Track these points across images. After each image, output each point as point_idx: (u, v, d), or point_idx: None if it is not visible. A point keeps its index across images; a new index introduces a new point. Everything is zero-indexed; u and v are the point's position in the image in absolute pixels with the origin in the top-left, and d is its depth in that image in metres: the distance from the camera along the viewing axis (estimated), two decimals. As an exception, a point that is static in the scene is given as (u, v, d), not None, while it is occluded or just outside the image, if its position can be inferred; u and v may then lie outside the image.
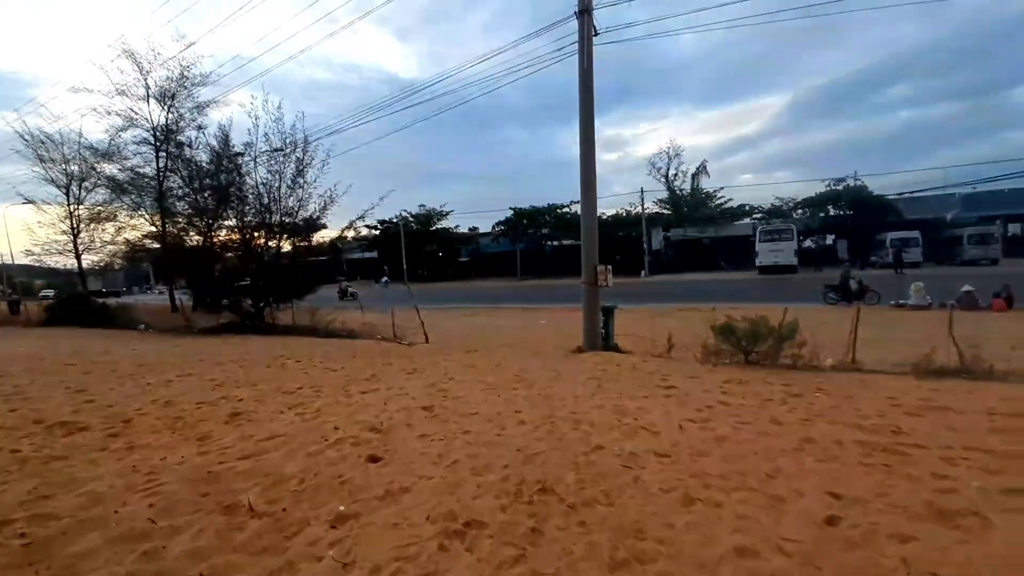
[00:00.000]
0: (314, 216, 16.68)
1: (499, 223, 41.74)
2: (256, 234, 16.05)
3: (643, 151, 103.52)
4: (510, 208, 40.65)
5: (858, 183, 34.97)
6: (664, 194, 51.86)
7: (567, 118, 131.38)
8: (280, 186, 15.85)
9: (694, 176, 53.79)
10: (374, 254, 49.86)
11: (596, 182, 9.20)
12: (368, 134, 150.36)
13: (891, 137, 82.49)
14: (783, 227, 31.15)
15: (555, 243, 43.83)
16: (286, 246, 17.50)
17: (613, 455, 3.81)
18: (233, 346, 11.90)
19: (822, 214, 35.91)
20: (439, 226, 45.26)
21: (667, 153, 55.54)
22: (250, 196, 16.12)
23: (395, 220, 44.81)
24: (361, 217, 17.22)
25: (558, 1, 11.29)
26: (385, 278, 40.05)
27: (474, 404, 5.58)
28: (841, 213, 35.14)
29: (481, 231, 47.78)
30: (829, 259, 35.00)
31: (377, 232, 47.00)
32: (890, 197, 33.01)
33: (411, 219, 45.58)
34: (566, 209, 40.18)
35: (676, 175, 55.66)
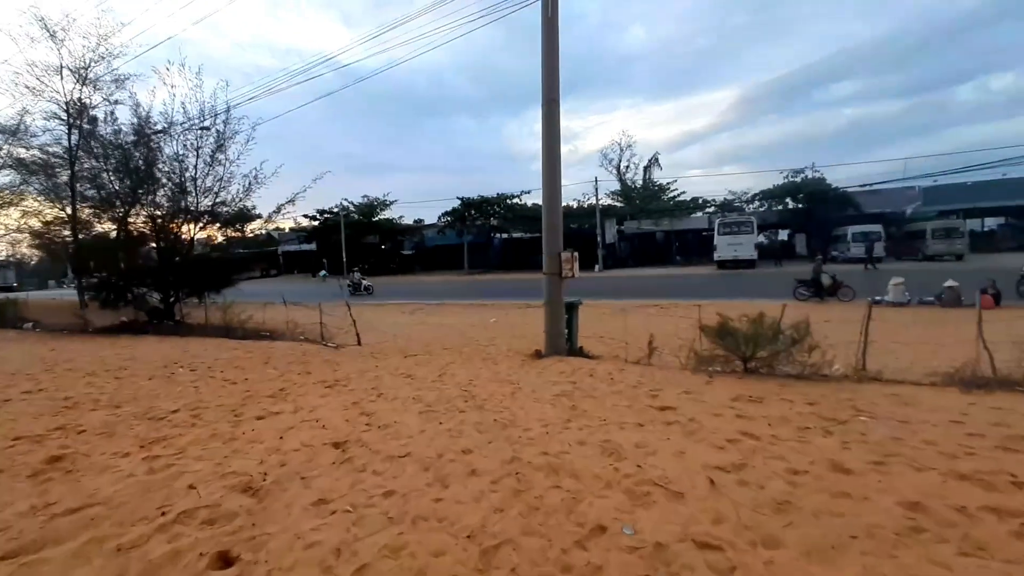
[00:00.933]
0: (236, 199, 14.31)
1: (445, 213, 39.75)
2: (168, 219, 13.48)
3: (593, 145, 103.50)
4: (457, 198, 38.83)
5: (816, 175, 35.20)
6: (616, 186, 51.53)
7: (516, 110, 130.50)
8: (196, 163, 13.43)
9: (646, 169, 53.58)
10: (313, 246, 46.62)
11: (560, 153, 7.72)
12: (309, 120, 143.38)
13: (837, 134, 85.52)
14: (743, 219, 30.70)
15: (504, 235, 42.38)
16: (204, 234, 15.01)
17: (624, 546, 2.32)
18: (121, 350, 9.68)
19: (779, 207, 36.00)
20: (382, 217, 42.68)
21: (619, 145, 55.23)
22: (161, 175, 13.54)
23: (335, 210, 41.81)
24: (291, 201, 14.99)
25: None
26: (323, 272, 37.19)
27: (406, 437, 4.01)
28: (799, 206, 35.08)
29: (428, 223, 45.58)
30: (787, 253, 35.22)
31: (316, 223, 43.82)
32: (850, 190, 33.17)
33: (352, 209, 42.71)
34: (516, 200, 38.83)
35: (628, 167, 55.55)
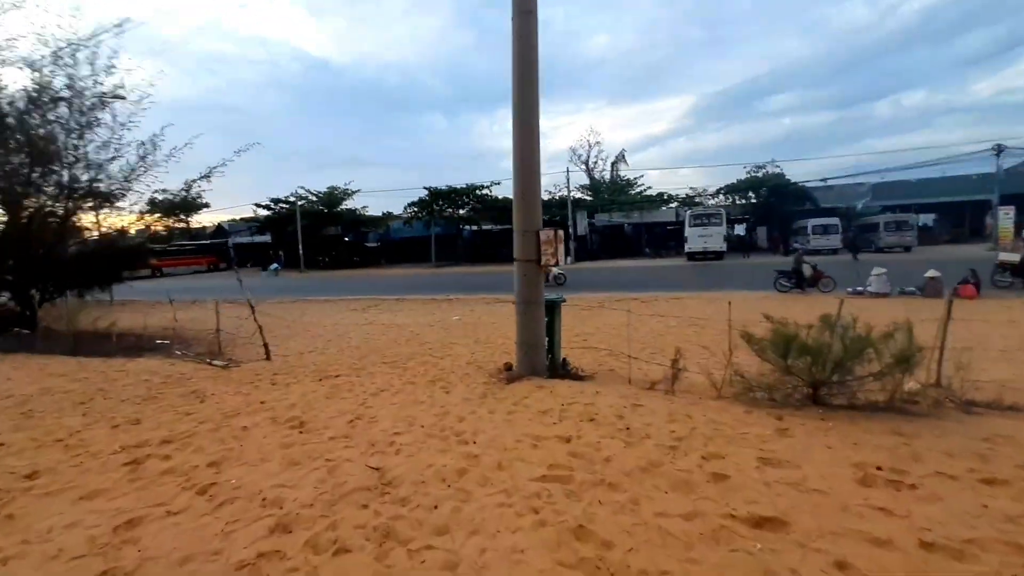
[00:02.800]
0: (127, 174, 11.29)
1: (412, 204, 36.64)
2: (18, 197, 10.35)
3: (559, 144, 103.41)
4: (424, 188, 35.84)
5: (776, 170, 34.40)
6: (585, 181, 50.08)
7: (486, 107, 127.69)
8: (68, 122, 10.35)
9: (613, 164, 52.61)
10: (267, 238, 42.73)
11: (537, 90, 5.27)
12: (273, 114, 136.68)
13: (777, 141, 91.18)
14: (713, 211, 29.41)
15: (474, 228, 39.77)
16: (84, 219, 11.93)
17: None
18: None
19: (742, 201, 34.97)
20: (344, 207, 39.32)
21: (588, 140, 54.04)
22: (13, 140, 10.38)
23: (291, 199, 38.11)
24: (205, 176, 12.08)
25: None
26: (275, 265, 33.72)
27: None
28: (760, 200, 34.33)
29: (395, 214, 42.48)
30: (751, 246, 34.20)
31: (270, 212, 39.91)
32: (808, 184, 32.70)
33: (312, 198, 39.14)
34: (486, 191, 36.23)
35: (596, 163, 54.16)
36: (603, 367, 6.10)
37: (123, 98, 12.56)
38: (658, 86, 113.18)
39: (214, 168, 12.25)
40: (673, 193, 42.10)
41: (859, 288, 13.56)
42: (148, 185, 11.47)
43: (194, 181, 11.76)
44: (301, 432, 3.77)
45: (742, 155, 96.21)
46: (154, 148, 10.74)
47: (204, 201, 48.83)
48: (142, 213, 12.45)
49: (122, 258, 11.51)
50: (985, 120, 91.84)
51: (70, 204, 10.61)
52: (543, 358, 5.18)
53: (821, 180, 32.13)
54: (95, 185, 10.70)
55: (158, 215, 12.73)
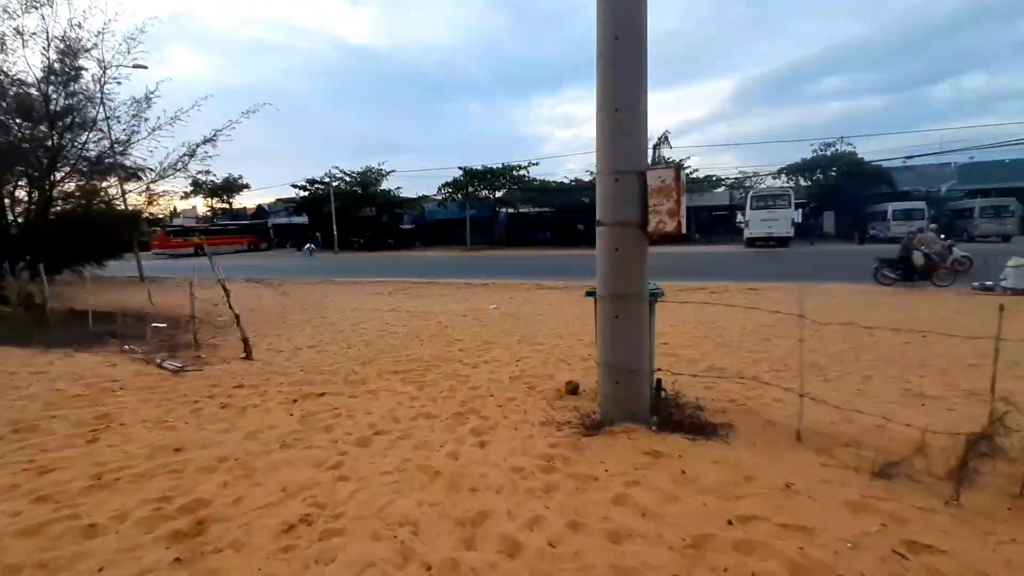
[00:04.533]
0: (125, 140, 9.60)
1: (446, 184, 34.64)
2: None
3: (593, 132, 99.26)
4: (459, 167, 33.74)
5: (848, 148, 30.36)
6: (627, 163, 46.94)
7: (522, 92, 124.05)
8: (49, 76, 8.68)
9: (655, 147, 49.26)
10: (304, 219, 41.72)
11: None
12: (313, 100, 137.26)
13: (825, 127, 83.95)
14: (779, 192, 25.66)
15: (510, 210, 37.53)
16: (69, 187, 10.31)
17: None
18: None
19: (807, 183, 31.05)
20: (379, 188, 37.72)
21: None
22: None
23: (326, 179, 36.77)
24: (210, 140, 10.28)
25: None
26: (309, 245, 32.50)
27: None
28: (827, 182, 30.36)
29: (430, 196, 40.67)
30: (817, 232, 30.41)
31: (306, 193, 38.84)
32: (885, 164, 28.59)
33: (347, 179, 37.73)
34: (523, 171, 33.81)
35: (638, 144, 50.80)
36: (722, 396, 3.83)
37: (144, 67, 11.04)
38: (699, 68, 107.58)
39: (219, 131, 10.43)
40: (721, 176, 38.72)
41: (988, 283, 10.54)
42: (150, 151, 9.75)
43: (198, 145, 9.96)
44: (177, 561, 1.73)
45: (785, 141, 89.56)
46: (148, 104, 8.94)
47: (244, 182, 49.15)
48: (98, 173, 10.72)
49: (108, 232, 9.80)
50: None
51: (53, 171, 9.02)
52: (646, 392, 2.95)
53: (903, 159, 27.88)
54: (81, 148, 9.09)
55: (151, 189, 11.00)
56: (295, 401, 3.79)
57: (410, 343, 6.49)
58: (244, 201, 51.66)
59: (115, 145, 9.11)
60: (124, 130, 9.07)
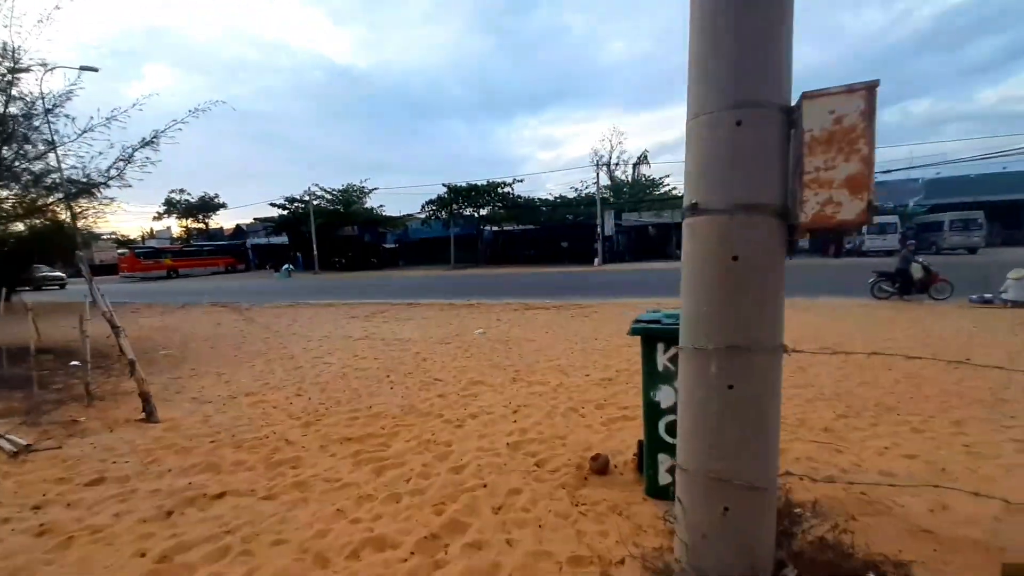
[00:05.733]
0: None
1: (430, 201, 33.24)
2: None
3: (574, 151, 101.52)
4: (443, 184, 32.48)
5: None
6: (606, 182, 46.60)
7: (505, 113, 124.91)
8: None
9: (635, 166, 49.16)
10: (284, 239, 39.67)
11: None
12: (296, 119, 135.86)
13: None
14: None
15: (494, 228, 36.28)
16: None
17: None
18: None
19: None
20: (361, 207, 36.05)
21: (610, 141, 51.35)
22: None
23: (305, 198, 34.96)
24: (150, 143, 8.73)
25: None
26: (288, 266, 30.62)
27: None
28: None
29: (413, 215, 39.20)
30: (791, 246, 29.83)
31: (285, 212, 36.86)
32: None
33: (326, 196, 36.03)
34: (508, 189, 32.71)
35: (617, 164, 50.56)
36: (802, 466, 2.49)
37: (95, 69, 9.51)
38: (673, 93, 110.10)
39: (160, 132, 8.89)
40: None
41: (986, 295, 9.65)
42: (81, 157, 8.15)
43: (135, 149, 8.41)
44: None
45: None
46: (66, 98, 7.42)
47: (221, 201, 46.86)
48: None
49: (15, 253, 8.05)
50: (988, 128, 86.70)
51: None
52: (772, 523, 1.57)
53: (876, 174, 27.63)
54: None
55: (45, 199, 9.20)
56: (169, 514, 2.31)
57: (377, 386, 5.02)
58: (222, 221, 49.50)
59: (23, 151, 7.50)
60: (40, 134, 7.50)
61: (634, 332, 2.42)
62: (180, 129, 9.04)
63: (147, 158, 8.77)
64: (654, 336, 2.38)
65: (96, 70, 14.01)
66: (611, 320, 9.36)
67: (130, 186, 8.45)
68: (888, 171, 26.68)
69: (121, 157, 8.60)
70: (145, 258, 34.31)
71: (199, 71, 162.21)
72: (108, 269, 36.68)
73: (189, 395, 5.03)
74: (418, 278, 26.17)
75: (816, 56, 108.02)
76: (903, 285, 10.75)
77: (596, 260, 29.08)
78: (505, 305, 12.45)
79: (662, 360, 2.40)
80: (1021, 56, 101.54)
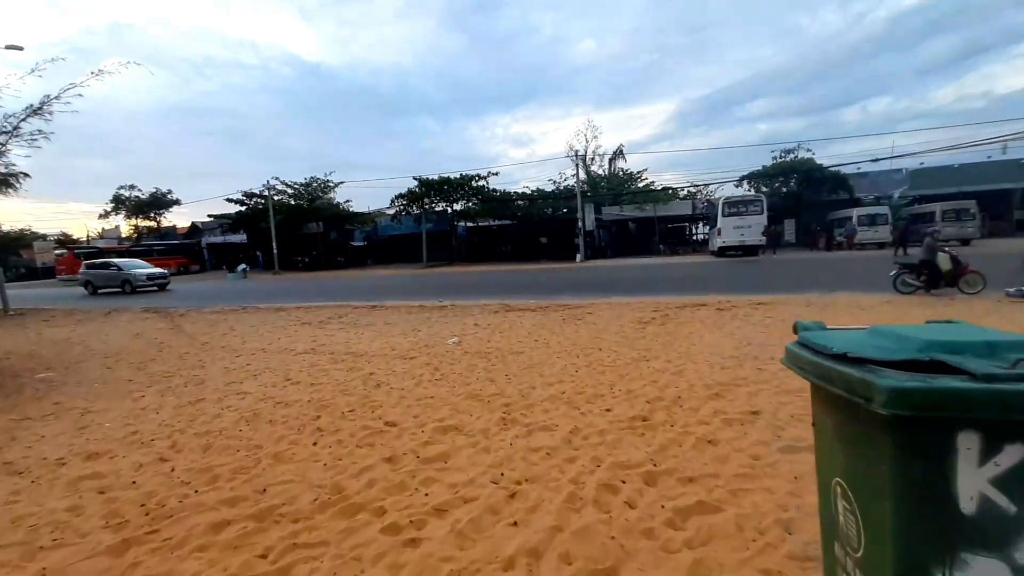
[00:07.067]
0: None
1: (400, 195, 31.08)
2: None
3: (548, 149, 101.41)
4: (414, 178, 30.40)
5: (808, 154, 29.56)
6: (582, 176, 45.43)
7: (478, 111, 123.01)
8: None
9: (611, 160, 48.20)
10: (242, 237, 36.78)
11: None
12: (264, 115, 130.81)
13: (753, 147, 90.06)
14: (752, 198, 24.05)
15: (469, 224, 34.45)
16: None
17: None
18: None
19: (767, 190, 29.82)
20: (325, 199, 33.45)
21: (585, 136, 50.59)
22: None
23: (265, 192, 32.24)
24: (10, 131, 6.70)
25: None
26: (242, 266, 28.11)
27: None
28: (788, 190, 29.36)
29: (384, 210, 36.93)
30: (778, 240, 29.21)
31: (243, 208, 33.80)
32: (843, 170, 27.65)
33: (288, 191, 33.37)
34: (482, 182, 30.90)
35: (593, 158, 49.53)
36: None
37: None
38: (642, 91, 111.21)
39: (53, 98, 6.90)
40: (679, 187, 37.67)
41: (1023, 288, 8.56)
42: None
43: (21, 119, 6.38)
44: None
45: (720, 161, 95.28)
46: None
47: (174, 198, 43.23)
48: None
49: None
50: (945, 125, 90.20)
51: None
52: None
53: (860, 165, 27.18)
54: None
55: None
56: None
57: (294, 440, 3.30)
58: (176, 220, 46.01)
59: None
60: None
61: (887, 396, 0.83)
62: (80, 95, 7.08)
63: (39, 131, 6.76)
64: (953, 412, 0.80)
65: (21, 48, 11.71)
66: (610, 324, 7.84)
67: (28, 175, 6.47)
68: (877, 159, 26.47)
69: (1, 129, 6.56)
70: (86, 259, 31.13)
71: (163, 68, 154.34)
72: (51, 272, 33.66)
73: (5, 455, 3.23)
74: (387, 277, 24.20)
75: (777, 57, 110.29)
76: (930, 278, 9.52)
77: (578, 256, 27.68)
78: (483, 307, 10.80)
79: (975, 485, 0.81)
80: (971, 56, 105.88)
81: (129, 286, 20.58)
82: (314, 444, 3.20)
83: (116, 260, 22.23)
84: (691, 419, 3.50)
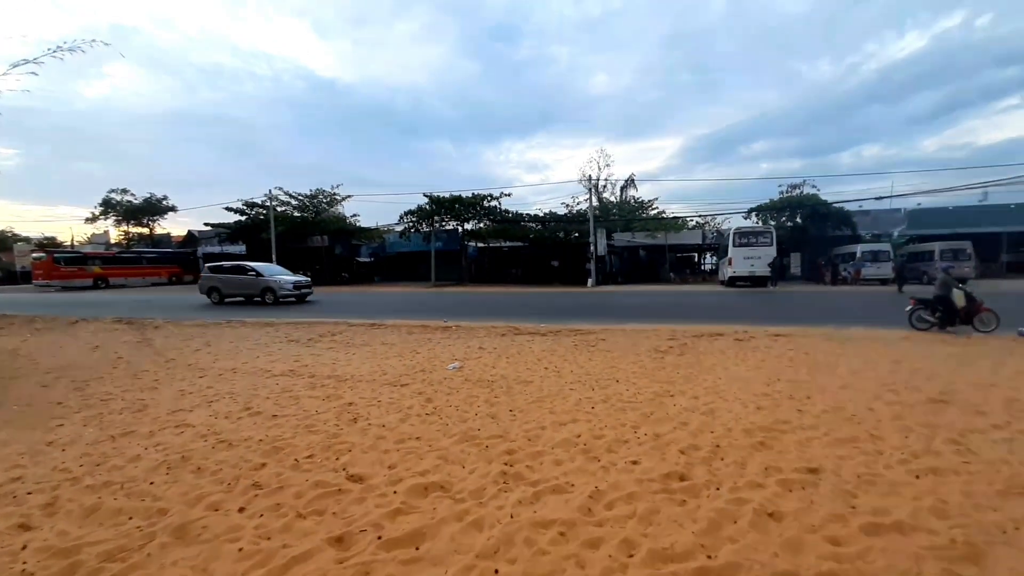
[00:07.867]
0: None
1: (408, 212, 30.49)
2: None
3: (561, 176, 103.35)
4: (424, 195, 29.88)
5: (814, 190, 29.60)
6: (594, 203, 45.32)
7: (493, 135, 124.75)
8: None
9: (623, 189, 48.22)
10: (241, 248, 35.81)
11: None
12: (277, 129, 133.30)
13: (753, 185, 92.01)
14: (762, 229, 23.62)
15: (480, 244, 33.76)
16: None
17: None
18: None
19: (773, 222, 29.25)
20: (331, 212, 32.82)
21: (598, 163, 51.56)
22: None
23: (265, 201, 31.76)
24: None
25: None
26: (244, 278, 27.38)
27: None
28: (794, 224, 29.06)
29: (393, 227, 36.46)
30: (784, 273, 28.53)
31: (244, 219, 32.78)
32: (846, 208, 27.91)
33: (291, 202, 32.86)
34: (495, 201, 30.33)
35: (606, 186, 49.48)
36: None
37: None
38: (652, 126, 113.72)
39: (16, 64, 6.27)
40: (687, 216, 37.44)
41: None
42: None
43: None
44: None
45: (724, 196, 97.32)
46: None
47: (169, 204, 41.96)
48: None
49: None
50: (931, 174, 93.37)
51: None
52: None
53: (862, 203, 27.61)
54: None
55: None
56: None
57: (226, 498, 2.39)
58: (172, 227, 45.51)
59: None
60: None
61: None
62: (35, 73, 6.46)
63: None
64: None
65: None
66: (627, 352, 6.92)
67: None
68: (880, 196, 26.53)
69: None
70: (67, 264, 29.37)
71: (168, 73, 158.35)
72: (29, 277, 31.77)
73: None
74: (392, 295, 23.42)
75: (777, 100, 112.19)
76: (945, 315, 8.74)
77: (589, 281, 26.81)
78: (490, 328, 9.91)
79: None
80: (953, 110, 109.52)
81: (272, 295, 17.30)
82: (240, 511, 2.29)
83: (253, 264, 18.70)
84: (739, 479, 2.62)
